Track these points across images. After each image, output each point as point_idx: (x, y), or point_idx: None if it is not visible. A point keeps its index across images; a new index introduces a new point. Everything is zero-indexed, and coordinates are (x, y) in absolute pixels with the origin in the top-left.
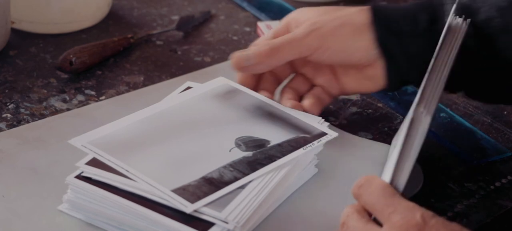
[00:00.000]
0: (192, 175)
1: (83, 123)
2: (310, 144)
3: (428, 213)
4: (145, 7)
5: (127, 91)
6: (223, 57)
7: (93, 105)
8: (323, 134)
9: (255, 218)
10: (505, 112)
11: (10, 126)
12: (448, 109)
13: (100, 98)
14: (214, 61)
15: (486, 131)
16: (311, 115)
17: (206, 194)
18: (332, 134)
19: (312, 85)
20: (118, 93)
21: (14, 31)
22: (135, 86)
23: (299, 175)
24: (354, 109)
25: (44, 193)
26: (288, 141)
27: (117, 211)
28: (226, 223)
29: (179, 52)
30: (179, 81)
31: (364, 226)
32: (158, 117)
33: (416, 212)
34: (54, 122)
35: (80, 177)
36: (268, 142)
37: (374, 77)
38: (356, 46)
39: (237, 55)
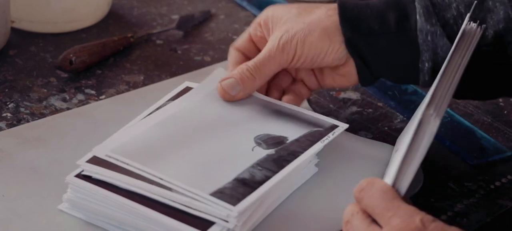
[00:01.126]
0: (224, 177)
1: (83, 122)
2: (326, 136)
3: (428, 217)
4: (145, 6)
5: (127, 90)
6: (223, 57)
7: (93, 105)
8: (335, 126)
9: (255, 217)
10: (505, 112)
11: (10, 125)
12: (448, 109)
13: (100, 97)
14: (214, 61)
15: (486, 131)
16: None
17: (243, 195)
18: (343, 125)
19: (294, 79)
20: (118, 93)
21: (14, 31)
22: (135, 86)
23: (299, 174)
24: (354, 109)
25: (44, 192)
26: (304, 136)
27: (118, 210)
28: (226, 222)
29: (179, 52)
30: (179, 80)
31: (368, 226)
32: (172, 120)
33: (415, 216)
34: (54, 121)
35: (80, 176)
36: (286, 138)
37: (347, 74)
38: (326, 51)
39: (224, 85)
